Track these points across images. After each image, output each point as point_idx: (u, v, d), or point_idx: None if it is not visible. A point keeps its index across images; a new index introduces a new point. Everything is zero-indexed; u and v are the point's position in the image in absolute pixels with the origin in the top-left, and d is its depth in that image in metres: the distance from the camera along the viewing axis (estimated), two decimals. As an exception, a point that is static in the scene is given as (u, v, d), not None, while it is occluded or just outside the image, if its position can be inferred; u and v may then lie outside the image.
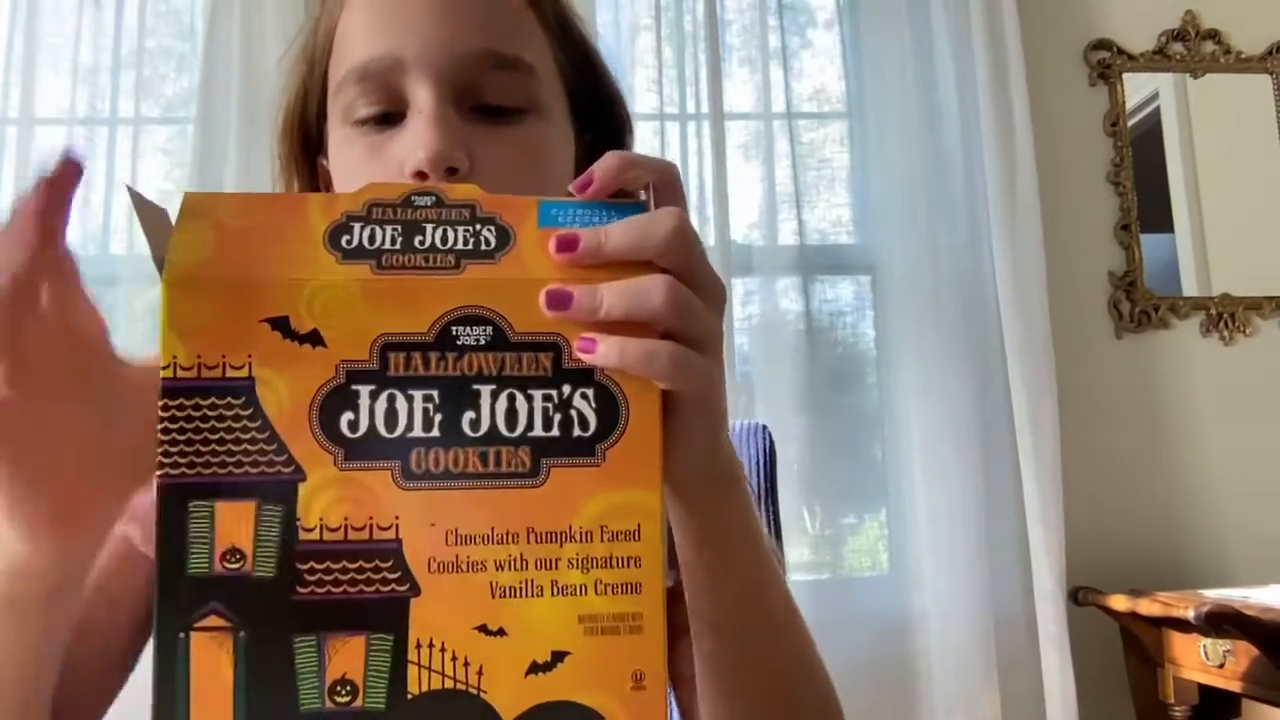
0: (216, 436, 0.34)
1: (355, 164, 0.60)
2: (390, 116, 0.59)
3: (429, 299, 0.35)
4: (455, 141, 0.57)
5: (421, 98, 0.58)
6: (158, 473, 0.34)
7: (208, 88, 1.80)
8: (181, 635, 0.33)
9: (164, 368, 0.34)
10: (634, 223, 0.38)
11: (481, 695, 0.33)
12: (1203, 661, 1.56)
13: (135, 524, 0.55)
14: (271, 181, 0.69)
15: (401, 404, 0.35)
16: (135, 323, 1.77)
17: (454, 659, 0.33)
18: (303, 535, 0.34)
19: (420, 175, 0.57)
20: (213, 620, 0.33)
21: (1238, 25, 2.11)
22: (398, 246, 0.36)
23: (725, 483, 0.46)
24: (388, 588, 0.33)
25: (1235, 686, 1.52)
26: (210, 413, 0.34)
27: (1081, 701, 1.72)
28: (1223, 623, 1.44)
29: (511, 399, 0.35)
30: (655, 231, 0.38)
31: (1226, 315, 2.01)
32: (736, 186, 1.92)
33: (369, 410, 0.34)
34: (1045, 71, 2.00)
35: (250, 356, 0.34)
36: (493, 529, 0.34)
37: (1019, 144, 1.90)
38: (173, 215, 0.37)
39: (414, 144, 0.56)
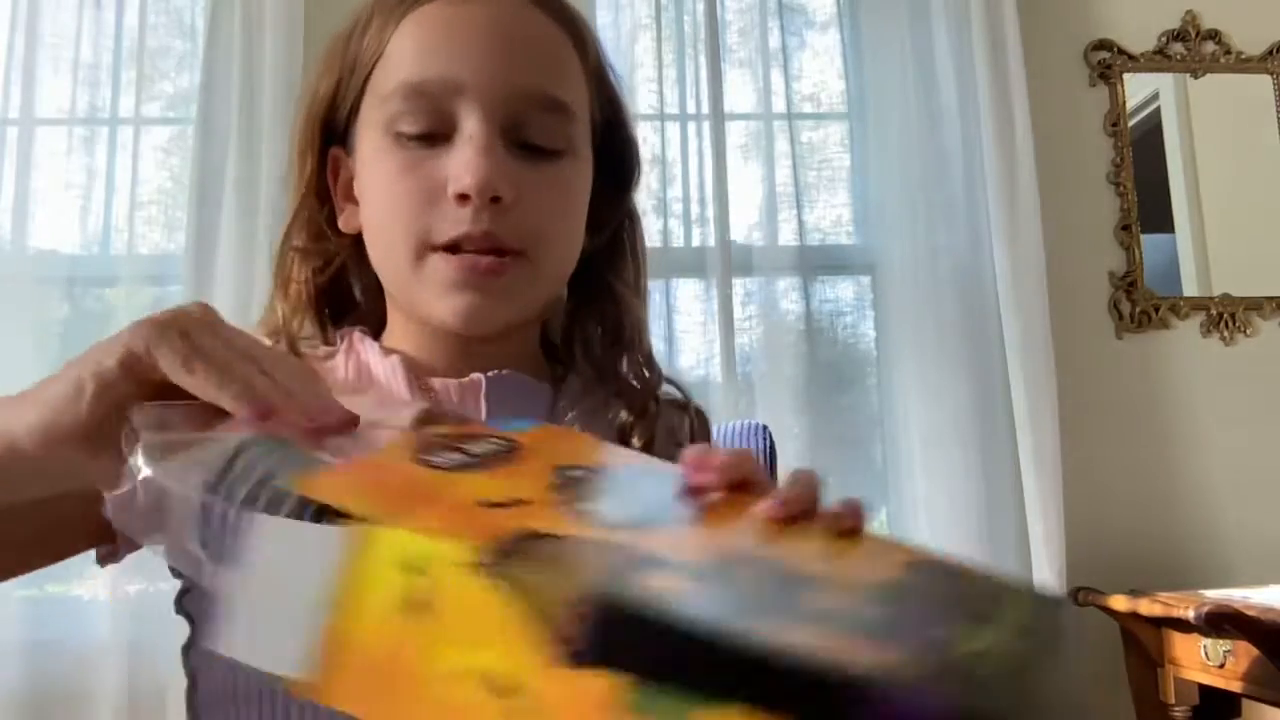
0: None
1: (392, 175, 0.62)
2: (433, 136, 0.61)
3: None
4: (502, 173, 0.59)
5: (472, 125, 0.60)
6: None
7: (208, 88, 1.80)
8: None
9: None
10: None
11: None
12: (1203, 662, 1.56)
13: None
14: (266, 176, 0.70)
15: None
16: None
17: None
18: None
19: (463, 198, 0.59)
20: None
21: (1238, 25, 2.11)
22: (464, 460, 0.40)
23: None
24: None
25: (1236, 687, 1.52)
26: None
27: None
28: (1223, 623, 1.44)
29: None
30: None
31: (1226, 315, 2.01)
32: (736, 186, 1.92)
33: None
34: (1045, 71, 2.00)
35: None
36: None
37: (1019, 144, 1.90)
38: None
39: (462, 169, 0.59)
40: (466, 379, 0.65)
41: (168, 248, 1.84)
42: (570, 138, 0.64)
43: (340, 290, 0.71)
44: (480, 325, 0.62)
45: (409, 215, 0.61)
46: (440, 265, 0.61)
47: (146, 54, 1.87)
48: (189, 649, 0.62)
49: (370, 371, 0.66)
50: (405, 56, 0.62)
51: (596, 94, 0.68)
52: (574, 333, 0.72)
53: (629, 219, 0.73)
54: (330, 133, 0.67)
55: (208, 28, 1.82)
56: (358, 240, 0.66)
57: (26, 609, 1.66)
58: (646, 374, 0.71)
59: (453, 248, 0.60)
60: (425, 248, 0.61)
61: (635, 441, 0.66)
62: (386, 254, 0.64)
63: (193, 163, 1.78)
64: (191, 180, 1.78)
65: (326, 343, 0.70)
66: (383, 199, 0.63)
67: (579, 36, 0.66)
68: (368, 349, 0.67)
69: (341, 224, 0.68)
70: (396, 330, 0.68)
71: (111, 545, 0.60)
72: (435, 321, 0.63)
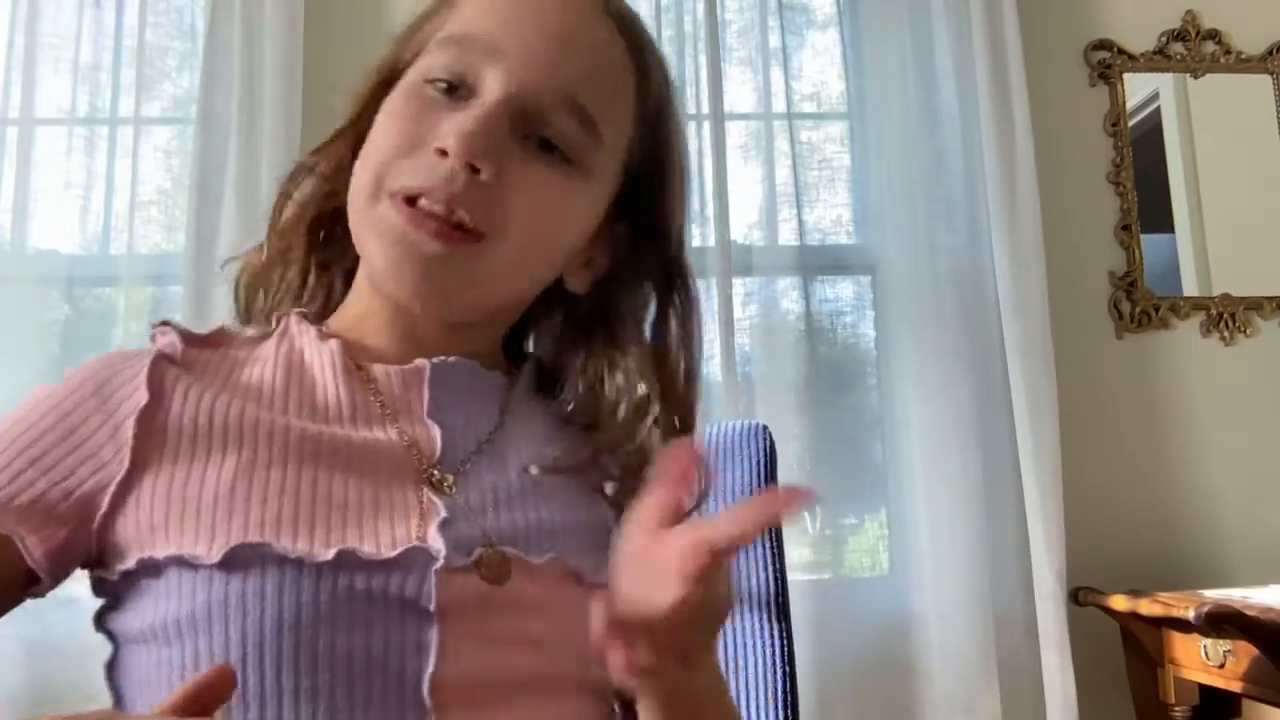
0: None
1: (394, 114, 0.60)
2: (455, 89, 0.59)
3: None
4: (492, 148, 0.57)
5: (490, 93, 0.58)
6: None
7: (208, 88, 1.80)
8: None
9: None
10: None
11: None
12: (1203, 662, 1.56)
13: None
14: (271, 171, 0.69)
15: None
16: (134, 321, 1.77)
17: None
18: None
19: (441, 153, 0.56)
20: None
21: (1238, 25, 2.11)
22: None
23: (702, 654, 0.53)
24: None
25: (1235, 687, 1.52)
26: None
27: (1081, 701, 1.72)
28: (1223, 623, 1.44)
29: None
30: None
31: (1227, 315, 2.01)
32: (736, 186, 1.91)
33: None
34: (1045, 71, 2.00)
35: None
36: None
37: (1019, 144, 1.90)
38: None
39: (454, 126, 0.56)
40: (410, 365, 0.61)
41: (168, 248, 1.84)
42: (587, 156, 0.60)
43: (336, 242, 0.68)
44: (408, 284, 0.59)
45: (385, 153, 0.59)
46: (389, 212, 0.58)
47: (146, 54, 1.87)
48: (111, 667, 0.61)
49: (301, 358, 0.62)
50: (463, 14, 0.61)
51: (644, 141, 0.64)
52: (561, 358, 0.68)
53: (677, 289, 0.66)
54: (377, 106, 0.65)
55: (208, 28, 1.82)
56: None
57: (26, 609, 1.65)
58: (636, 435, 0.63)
59: (410, 200, 0.57)
60: (382, 189, 0.58)
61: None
62: (354, 189, 0.61)
63: (193, 163, 1.78)
64: (191, 180, 1.78)
65: (302, 285, 0.67)
66: (376, 134, 0.61)
67: (645, 74, 0.63)
68: (303, 334, 0.63)
69: None
70: (357, 296, 0.65)
71: (37, 585, 0.59)
72: (372, 271, 0.61)
